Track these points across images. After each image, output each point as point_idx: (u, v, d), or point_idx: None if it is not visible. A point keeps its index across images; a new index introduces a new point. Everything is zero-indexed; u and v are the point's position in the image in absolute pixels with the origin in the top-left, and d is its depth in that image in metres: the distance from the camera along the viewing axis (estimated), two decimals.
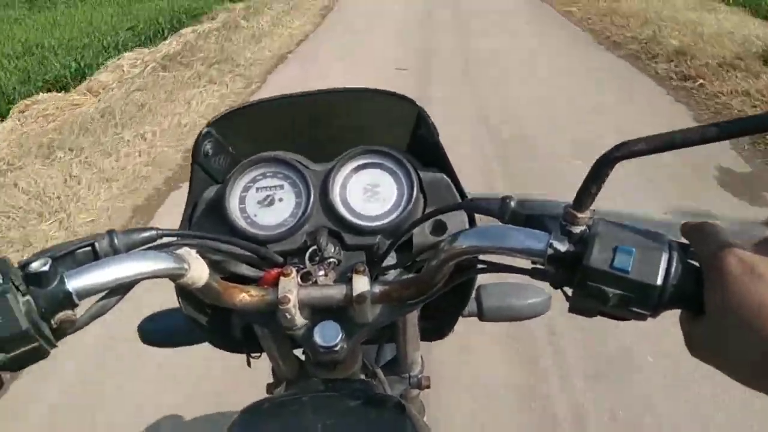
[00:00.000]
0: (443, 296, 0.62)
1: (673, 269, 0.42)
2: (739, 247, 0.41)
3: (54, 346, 0.45)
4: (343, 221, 0.64)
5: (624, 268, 0.42)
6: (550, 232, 0.46)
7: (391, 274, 0.66)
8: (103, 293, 0.48)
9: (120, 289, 0.49)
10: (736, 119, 0.39)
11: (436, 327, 0.80)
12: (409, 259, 0.66)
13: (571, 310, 0.46)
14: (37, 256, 0.45)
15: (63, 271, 0.45)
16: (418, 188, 0.66)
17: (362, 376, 0.81)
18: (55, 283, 0.44)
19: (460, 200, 0.67)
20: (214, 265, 0.59)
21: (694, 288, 0.42)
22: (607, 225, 0.44)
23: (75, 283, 0.44)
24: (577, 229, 0.45)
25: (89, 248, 0.50)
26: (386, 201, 0.66)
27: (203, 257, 0.54)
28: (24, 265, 0.44)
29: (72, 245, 0.49)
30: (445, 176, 0.67)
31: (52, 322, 0.44)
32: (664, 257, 0.42)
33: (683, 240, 0.45)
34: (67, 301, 0.44)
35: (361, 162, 0.68)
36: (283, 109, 0.71)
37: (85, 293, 0.45)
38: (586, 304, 0.45)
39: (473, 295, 0.87)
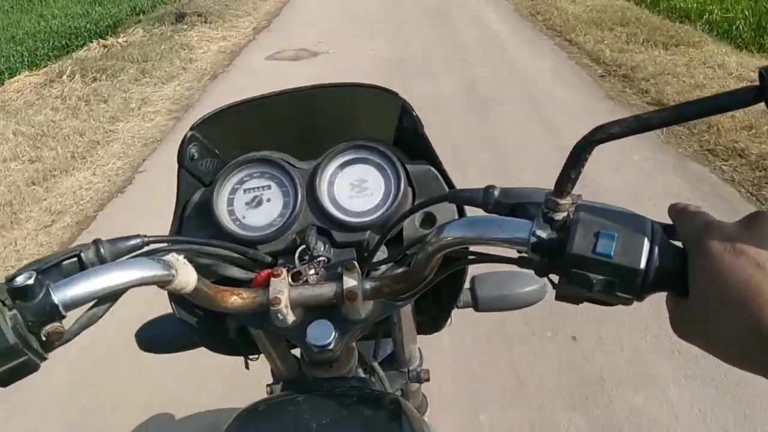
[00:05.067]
0: (436, 289, 0.62)
1: (656, 252, 0.42)
2: (721, 226, 0.40)
3: (44, 358, 0.45)
4: (331, 218, 0.64)
5: (607, 253, 0.42)
6: (533, 220, 0.46)
7: (382, 269, 0.66)
8: (91, 303, 0.48)
9: (108, 298, 0.49)
10: (711, 96, 0.39)
11: (432, 320, 0.80)
12: (400, 252, 0.66)
13: (558, 297, 0.46)
14: (22, 270, 0.45)
15: (49, 283, 0.44)
16: (406, 181, 0.65)
17: (361, 372, 0.81)
18: (41, 295, 0.43)
19: (447, 191, 0.66)
20: (204, 269, 0.59)
21: (678, 269, 0.42)
22: (589, 210, 0.44)
23: (61, 294, 0.44)
24: (559, 216, 0.44)
25: (75, 259, 0.50)
26: (374, 196, 0.65)
27: (192, 262, 0.54)
28: (9, 280, 0.44)
29: (58, 257, 0.49)
30: (432, 168, 0.67)
31: (41, 334, 0.44)
32: (647, 240, 0.42)
33: (666, 222, 0.45)
34: (54, 313, 0.44)
35: (347, 158, 0.67)
36: (267, 108, 0.70)
37: (71, 304, 0.45)
38: (571, 290, 0.44)
39: (468, 285, 0.87)
